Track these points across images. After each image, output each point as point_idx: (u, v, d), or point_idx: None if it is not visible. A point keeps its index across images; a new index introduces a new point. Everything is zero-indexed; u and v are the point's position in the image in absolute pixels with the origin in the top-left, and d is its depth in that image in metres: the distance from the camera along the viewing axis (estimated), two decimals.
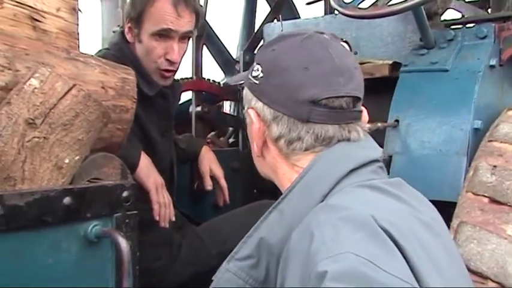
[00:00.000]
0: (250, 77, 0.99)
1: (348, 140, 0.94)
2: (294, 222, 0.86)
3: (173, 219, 1.67)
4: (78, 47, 1.14)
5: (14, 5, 1.01)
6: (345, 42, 2.38)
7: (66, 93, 0.94)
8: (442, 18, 2.43)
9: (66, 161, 0.95)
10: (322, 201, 0.87)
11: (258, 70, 0.96)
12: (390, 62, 2.05)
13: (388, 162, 1.76)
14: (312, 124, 0.92)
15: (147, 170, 1.63)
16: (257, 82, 0.96)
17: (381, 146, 1.82)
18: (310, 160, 0.94)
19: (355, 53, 2.34)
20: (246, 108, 1.02)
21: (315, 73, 0.91)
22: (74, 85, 0.95)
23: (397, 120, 1.82)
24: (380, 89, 2.05)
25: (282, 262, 0.86)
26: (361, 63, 2.17)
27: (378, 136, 1.90)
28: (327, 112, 0.91)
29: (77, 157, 0.98)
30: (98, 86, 1.11)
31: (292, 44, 0.95)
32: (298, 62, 0.92)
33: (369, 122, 1.79)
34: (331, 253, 0.73)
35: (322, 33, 0.98)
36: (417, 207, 0.90)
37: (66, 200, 0.89)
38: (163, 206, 1.64)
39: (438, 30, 2.02)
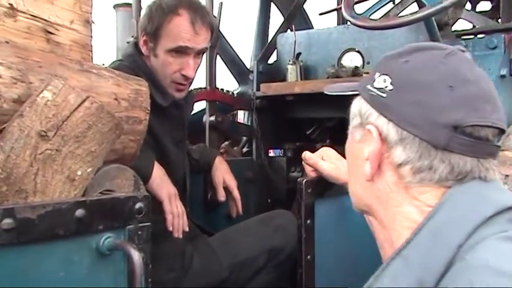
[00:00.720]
0: (370, 87, 0.86)
1: (484, 178, 0.80)
2: (424, 275, 0.73)
3: (186, 229, 1.66)
4: (92, 58, 1.15)
5: (27, 18, 1.02)
6: (358, 52, 2.39)
7: (79, 105, 0.94)
8: (453, 28, 2.43)
9: (79, 173, 0.96)
10: (457, 252, 0.73)
11: (384, 82, 0.84)
12: None
13: None
14: (448, 153, 0.79)
15: (160, 181, 1.62)
16: (383, 95, 0.84)
17: None
18: (438, 196, 0.80)
19: (368, 63, 2.34)
20: (356, 122, 0.90)
21: (460, 95, 0.79)
22: (87, 97, 0.95)
23: None
24: None
25: None
26: None
27: None
28: (469, 142, 0.78)
29: (90, 169, 0.98)
30: (111, 98, 1.11)
31: (432, 58, 0.83)
32: (441, 79, 0.80)
33: None
34: None
35: (463, 51, 0.86)
36: None
37: (79, 212, 0.89)
38: (176, 216, 1.63)
39: (449, 40, 2.02)
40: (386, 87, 0.84)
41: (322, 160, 1.42)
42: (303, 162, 1.49)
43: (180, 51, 1.71)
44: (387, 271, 0.78)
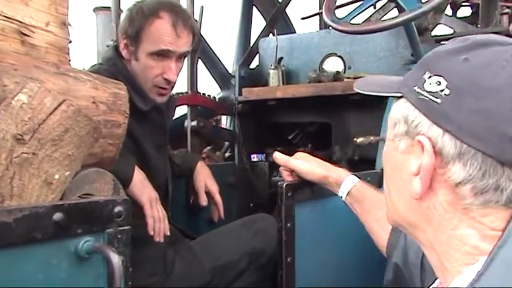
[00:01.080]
0: (420, 90, 0.73)
1: None
2: None
3: (168, 233, 1.66)
4: (69, 61, 1.14)
5: (1, 20, 1.00)
6: (339, 57, 2.41)
7: (55, 108, 0.94)
8: (433, 33, 2.47)
9: (56, 176, 0.95)
10: None
11: (439, 84, 0.71)
12: None
13: (380, 175, 1.76)
14: None
15: (140, 185, 1.62)
16: (437, 101, 0.70)
17: (374, 158, 1.84)
18: (506, 219, 0.70)
19: (349, 68, 2.37)
20: (401, 130, 0.76)
21: None
22: (64, 100, 0.95)
23: None
24: (373, 103, 2.06)
25: None
26: (354, 78, 2.19)
27: (372, 149, 1.91)
28: None
29: (67, 173, 0.97)
30: (89, 101, 1.11)
31: (497, 56, 0.70)
32: (510, 84, 0.68)
33: (362, 135, 1.83)
34: None
35: None
36: None
37: (56, 216, 0.88)
38: (157, 220, 1.62)
39: (429, 45, 2.06)
40: (442, 91, 0.71)
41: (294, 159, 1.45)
42: (280, 168, 1.51)
43: (162, 54, 1.70)
44: None
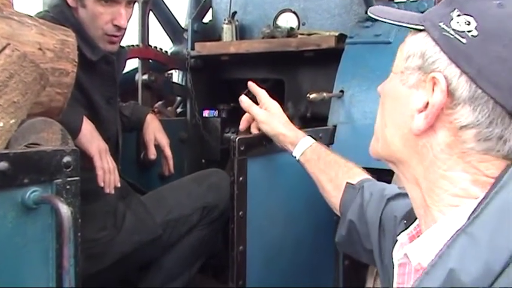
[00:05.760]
0: (445, 27, 0.72)
1: None
2: (492, 258, 0.64)
3: (118, 185, 1.64)
4: (12, 5, 1.08)
5: None
6: (293, 12, 2.40)
7: None
8: None
9: (0, 124, 0.91)
10: None
11: (468, 24, 0.70)
12: (336, 33, 2.07)
13: (333, 131, 1.79)
14: None
15: (90, 136, 1.58)
16: (462, 40, 0.69)
17: (326, 116, 1.87)
18: (501, 169, 0.71)
19: (303, 24, 2.36)
20: (414, 64, 0.75)
21: None
22: (8, 44, 0.90)
23: (342, 91, 1.86)
24: (326, 60, 2.08)
25: None
26: (308, 34, 2.19)
27: (324, 106, 1.93)
28: None
29: (12, 120, 0.93)
30: (35, 48, 1.06)
31: None
32: None
33: (315, 92, 1.84)
34: None
35: None
36: None
37: (1, 165, 0.85)
38: (107, 172, 1.60)
39: (382, 3, 2.06)
40: (469, 31, 0.69)
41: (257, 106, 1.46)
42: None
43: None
44: (452, 249, 0.67)
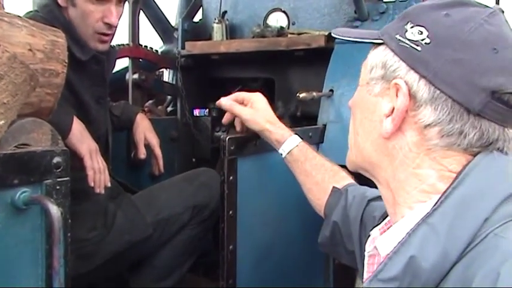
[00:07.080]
0: (401, 38, 0.79)
1: (504, 150, 0.77)
2: (450, 246, 0.70)
3: (108, 185, 1.64)
4: (3, 6, 1.08)
5: None
6: (283, 12, 2.41)
7: None
8: None
9: None
10: (482, 225, 0.70)
11: (420, 33, 0.77)
12: (326, 33, 2.08)
13: (322, 130, 1.81)
14: (480, 119, 0.74)
15: (80, 136, 1.58)
16: (417, 48, 0.77)
17: (316, 115, 1.88)
18: (462, 163, 0.77)
19: (293, 23, 2.37)
20: (377, 74, 0.83)
21: (503, 59, 0.74)
22: None
23: (331, 90, 1.87)
24: (316, 59, 2.09)
25: None
26: (298, 34, 2.20)
27: (314, 105, 1.95)
28: (502, 109, 0.74)
29: (2, 121, 0.93)
30: (25, 49, 1.06)
31: (476, 15, 0.76)
32: (486, 40, 0.74)
33: (305, 91, 1.85)
34: None
35: (503, 11, 0.79)
36: None
37: None
38: (98, 171, 1.60)
39: (371, 3, 2.09)
40: (422, 40, 0.77)
41: (240, 105, 1.44)
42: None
43: None
44: (414, 237, 0.74)
